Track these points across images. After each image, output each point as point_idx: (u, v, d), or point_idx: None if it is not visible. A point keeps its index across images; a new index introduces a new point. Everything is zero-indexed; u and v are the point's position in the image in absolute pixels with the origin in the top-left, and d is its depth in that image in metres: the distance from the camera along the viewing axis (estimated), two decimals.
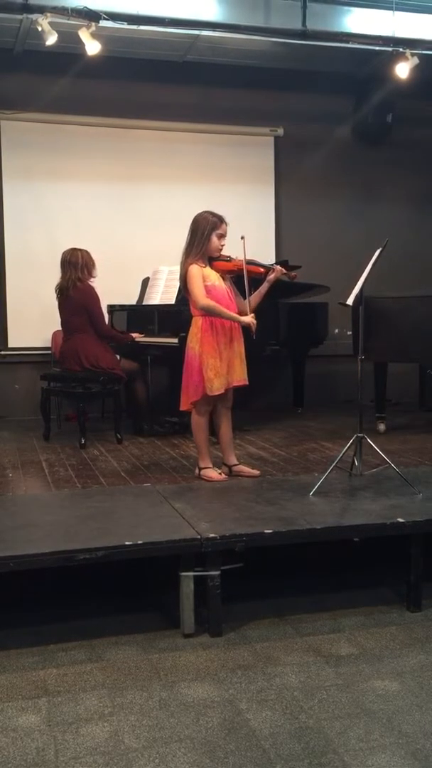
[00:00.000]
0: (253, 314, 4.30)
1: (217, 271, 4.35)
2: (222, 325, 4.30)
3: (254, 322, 4.28)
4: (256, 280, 4.40)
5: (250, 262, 4.37)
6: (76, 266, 5.80)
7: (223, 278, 4.38)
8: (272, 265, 4.53)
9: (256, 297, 4.38)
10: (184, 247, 4.35)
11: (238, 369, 4.36)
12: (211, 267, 4.34)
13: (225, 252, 4.37)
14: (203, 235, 4.28)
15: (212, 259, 4.35)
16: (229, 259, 4.38)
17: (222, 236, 4.32)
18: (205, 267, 4.31)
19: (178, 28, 6.11)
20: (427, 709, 2.66)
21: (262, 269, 4.41)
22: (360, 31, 6.38)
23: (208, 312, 4.26)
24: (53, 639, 3.21)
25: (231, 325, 4.32)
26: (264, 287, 4.40)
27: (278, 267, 4.44)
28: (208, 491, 4.20)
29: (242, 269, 4.32)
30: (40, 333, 6.96)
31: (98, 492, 4.23)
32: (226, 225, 4.32)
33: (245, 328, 4.34)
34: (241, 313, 4.35)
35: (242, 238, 4.20)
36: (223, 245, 4.34)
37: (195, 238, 4.30)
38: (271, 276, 4.39)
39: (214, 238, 4.29)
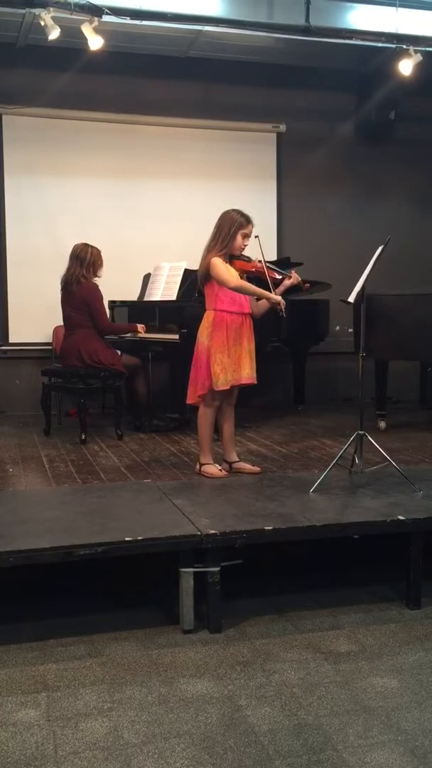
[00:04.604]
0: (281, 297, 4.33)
1: (237, 269, 4.38)
2: (233, 321, 4.31)
3: (283, 301, 4.31)
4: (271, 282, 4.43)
5: (268, 266, 4.42)
6: (83, 263, 5.80)
7: (241, 277, 4.40)
8: (288, 272, 4.57)
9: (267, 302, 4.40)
10: (207, 242, 4.37)
11: (247, 367, 4.37)
12: (231, 265, 4.36)
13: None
14: (229, 232, 4.30)
15: (232, 258, 4.37)
16: (249, 260, 4.42)
17: (247, 236, 4.34)
18: (226, 263, 4.33)
19: (180, 23, 6.10)
20: (426, 707, 2.67)
21: (279, 276, 4.46)
22: (363, 27, 6.37)
23: (241, 291, 4.28)
24: (53, 634, 3.22)
25: (242, 322, 4.34)
26: (279, 291, 4.41)
27: (294, 274, 4.48)
28: (209, 487, 4.20)
29: (261, 270, 4.38)
30: (41, 328, 6.96)
31: (98, 488, 4.23)
32: (252, 226, 4.34)
33: (257, 324, 4.37)
34: (253, 313, 4.39)
35: (257, 237, 4.29)
36: (246, 245, 4.37)
37: (220, 234, 4.32)
38: (288, 282, 4.43)
39: (239, 238, 4.32)
